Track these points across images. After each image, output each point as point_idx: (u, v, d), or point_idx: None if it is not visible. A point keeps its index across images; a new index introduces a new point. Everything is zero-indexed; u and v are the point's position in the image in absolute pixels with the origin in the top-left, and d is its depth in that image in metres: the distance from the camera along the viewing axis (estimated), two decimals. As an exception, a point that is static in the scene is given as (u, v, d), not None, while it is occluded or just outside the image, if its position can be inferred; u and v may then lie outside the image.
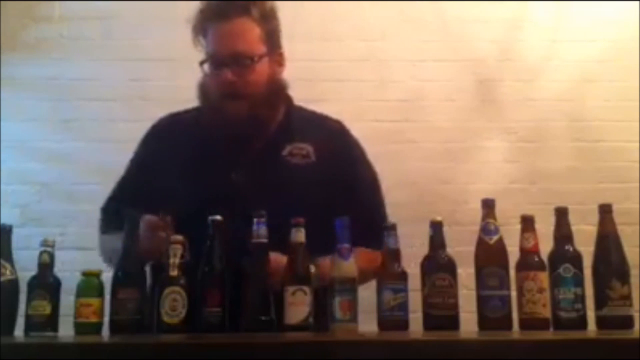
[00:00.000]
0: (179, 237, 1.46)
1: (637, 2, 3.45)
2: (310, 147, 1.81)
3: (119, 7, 3.48)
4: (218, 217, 1.47)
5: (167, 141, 1.87)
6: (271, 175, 1.77)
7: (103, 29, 3.54)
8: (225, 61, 1.75)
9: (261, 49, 1.78)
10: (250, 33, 1.78)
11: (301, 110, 1.92)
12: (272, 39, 1.83)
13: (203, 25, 1.79)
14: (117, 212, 1.82)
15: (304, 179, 1.75)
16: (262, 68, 1.78)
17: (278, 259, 1.48)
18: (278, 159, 1.79)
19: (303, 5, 3.55)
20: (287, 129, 1.84)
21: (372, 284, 1.50)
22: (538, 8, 3.61)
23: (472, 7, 3.59)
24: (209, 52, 1.79)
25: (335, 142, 1.86)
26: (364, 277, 1.49)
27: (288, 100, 1.90)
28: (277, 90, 1.84)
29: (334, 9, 3.60)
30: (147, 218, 1.57)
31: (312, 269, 1.47)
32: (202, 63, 1.79)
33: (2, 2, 3.43)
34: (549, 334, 1.41)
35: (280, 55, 1.86)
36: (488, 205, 1.52)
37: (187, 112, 1.92)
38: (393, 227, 1.52)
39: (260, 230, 1.45)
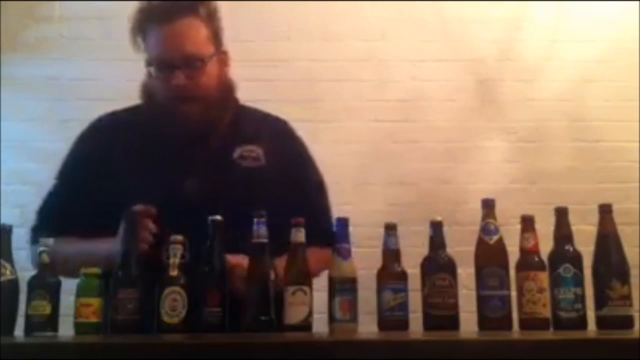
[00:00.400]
0: (179, 237, 1.46)
1: (637, 2, 3.45)
2: (259, 149, 1.79)
3: (119, 7, 3.47)
4: (218, 217, 1.47)
5: (111, 139, 1.81)
6: (224, 179, 1.75)
7: (103, 29, 3.54)
8: (175, 63, 1.71)
9: (210, 49, 1.76)
10: (199, 33, 1.75)
11: (247, 110, 1.90)
12: (218, 38, 1.80)
13: (143, 26, 1.75)
14: (55, 215, 1.78)
15: (256, 181, 1.75)
16: (212, 69, 1.76)
17: (238, 260, 1.48)
18: (229, 162, 1.77)
19: (303, 5, 3.56)
20: (235, 131, 1.82)
21: (373, 285, 1.50)
22: (538, 8, 3.61)
23: (472, 7, 3.59)
24: (153, 54, 1.74)
25: (282, 143, 1.86)
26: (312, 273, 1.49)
27: (235, 100, 1.87)
28: (227, 91, 1.82)
29: (334, 9, 3.60)
30: (134, 207, 1.56)
31: (272, 275, 1.46)
32: (148, 65, 1.75)
33: (2, 2, 3.43)
34: (549, 334, 1.41)
35: (225, 54, 1.84)
36: (488, 205, 1.52)
37: (126, 110, 1.88)
38: (393, 227, 1.52)
39: (260, 230, 1.45)
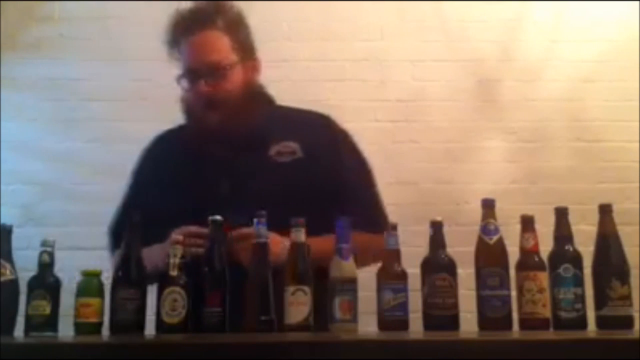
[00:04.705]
0: (179, 237, 1.46)
1: (637, 2, 3.45)
2: (295, 144, 1.83)
3: (119, 7, 3.48)
4: (218, 217, 1.47)
5: (159, 159, 1.91)
6: (261, 176, 1.79)
7: (103, 29, 3.54)
8: (199, 73, 1.80)
9: (232, 57, 1.82)
10: (219, 43, 1.82)
11: (284, 109, 1.94)
12: (244, 46, 1.86)
13: (176, 38, 1.84)
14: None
15: (294, 175, 1.78)
16: (236, 76, 1.82)
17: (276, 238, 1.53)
18: (265, 159, 1.81)
19: (303, 5, 3.55)
20: (270, 130, 1.85)
21: (373, 285, 1.50)
22: (538, 8, 3.61)
23: (472, 7, 3.59)
24: (184, 66, 1.83)
25: (321, 136, 1.89)
26: (364, 258, 1.53)
27: (269, 101, 1.92)
28: (254, 95, 1.87)
29: (334, 9, 3.60)
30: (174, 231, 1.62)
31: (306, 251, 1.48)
32: (179, 78, 1.83)
33: (2, 2, 3.43)
34: (549, 334, 1.41)
35: (255, 60, 1.90)
36: (488, 205, 1.52)
37: (181, 127, 1.94)
38: (393, 227, 1.52)
39: (260, 230, 1.45)
